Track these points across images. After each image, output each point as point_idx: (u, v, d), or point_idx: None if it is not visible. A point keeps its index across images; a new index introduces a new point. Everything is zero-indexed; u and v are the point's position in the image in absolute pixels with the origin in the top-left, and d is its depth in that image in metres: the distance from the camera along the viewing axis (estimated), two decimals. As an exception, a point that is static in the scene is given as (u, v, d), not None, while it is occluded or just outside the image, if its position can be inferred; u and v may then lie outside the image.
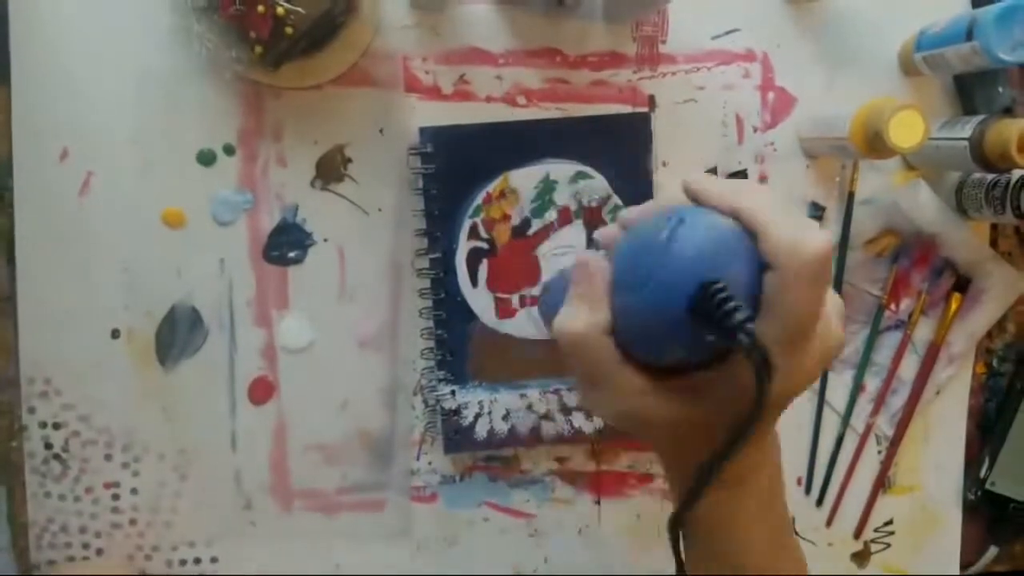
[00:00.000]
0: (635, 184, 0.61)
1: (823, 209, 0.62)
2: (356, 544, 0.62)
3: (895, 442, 0.65)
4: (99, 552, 0.60)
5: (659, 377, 0.35)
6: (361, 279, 0.60)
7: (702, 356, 0.34)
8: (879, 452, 0.65)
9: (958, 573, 0.67)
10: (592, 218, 0.61)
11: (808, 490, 0.65)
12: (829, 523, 0.65)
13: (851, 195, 0.61)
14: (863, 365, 0.64)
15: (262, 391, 0.60)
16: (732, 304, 0.30)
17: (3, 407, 0.58)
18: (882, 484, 0.65)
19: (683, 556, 0.39)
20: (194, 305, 0.59)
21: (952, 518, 0.66)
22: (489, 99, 0.60)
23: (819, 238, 0.32)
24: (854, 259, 0.63)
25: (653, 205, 0.38)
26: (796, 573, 0.43)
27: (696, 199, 0.35)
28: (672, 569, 0.44)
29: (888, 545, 0.66)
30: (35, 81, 0.56)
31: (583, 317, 0.35)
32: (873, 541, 0.66)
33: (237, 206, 0.59)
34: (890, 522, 0.66)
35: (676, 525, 0.37)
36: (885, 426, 0.65)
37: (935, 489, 0.66)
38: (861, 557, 0.66)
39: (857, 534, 0.66)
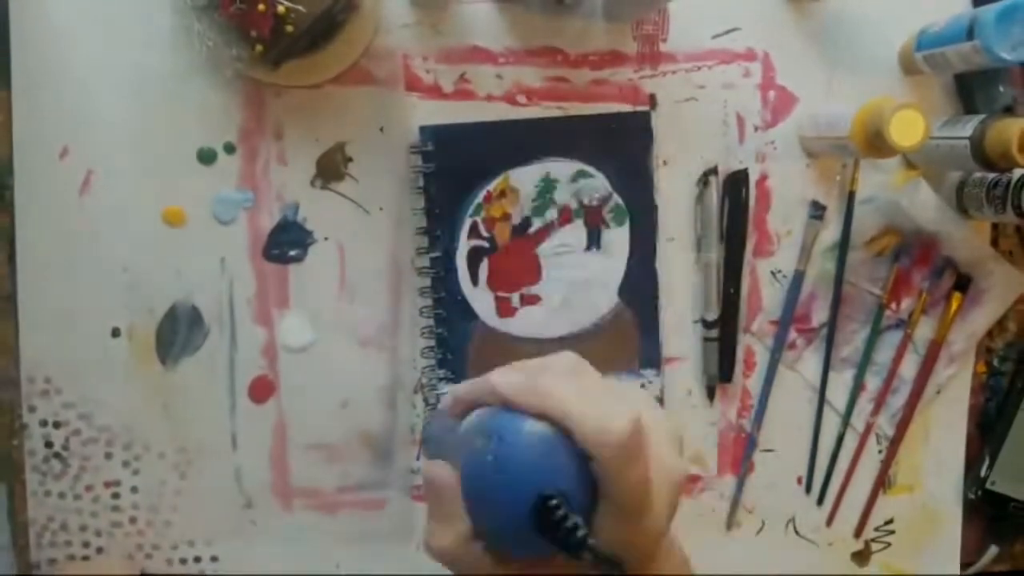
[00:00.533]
0: (636, 183, 0.61)
1: (824, 208, 0.62)
2: (357, 543, 0.62)
3: (895, 441, 0.65)
4: (99, 551, 0.60)
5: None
6: (361, 278, 0.60)
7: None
8: (879, 452, 0.65)
9: (958, 573, 0.67)
10: (593, 217, 0.61)
11: (808, 489, 0.65)
12: (829, 522, 0.65)
13: (852, 194, 0.61)
14: (863, 365, 0.64)
15: (262, 390, 0.60)
16: (570, 521, 0.31)
17: (4, 406, 0.58)
18: (882, 483, 0.65)
19: None
20: (194, 304, 0.59)
21: (952, 517, 0.66)
22: (490, 98, 0.60)
23: (622, 421, 0.33)
24: (854, 258, 0.63)
25: (471, 393, 0.38)
26: None
27: (504, 404, 0.36)
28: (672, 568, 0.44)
29: (888, 544, 0.66)
30: (36, 80, 0.56)
31: (447, 534, 0.36)
32: (873, 540, 0.66)
33: (237, 205, 0.59)
34: (890, 521, 0.66)
35: None
36: (886, 426, 0.65)
37: (935, 488, 0.66)
38: (861, 557, 0.66)
39: (857, 533, 0.66)
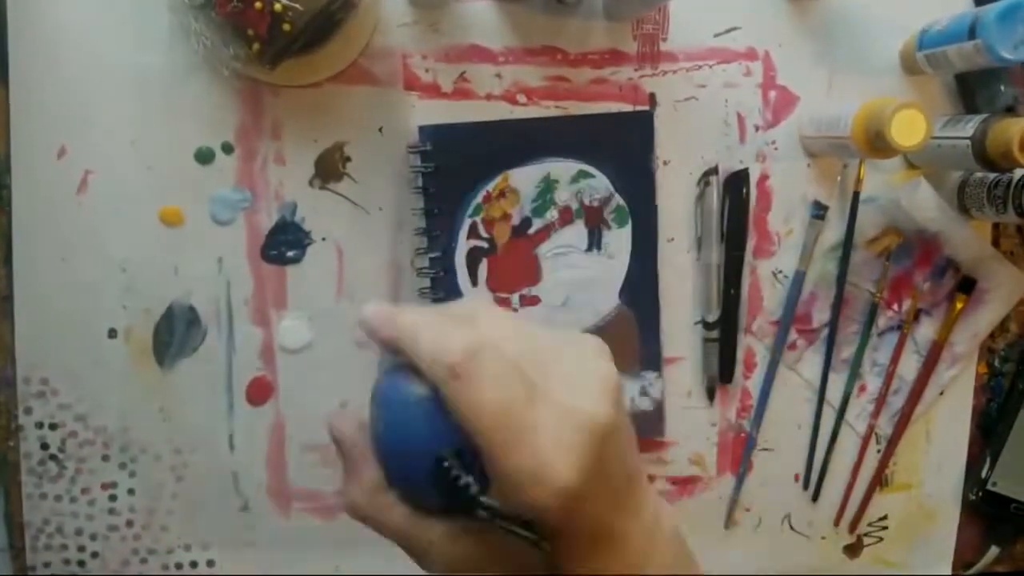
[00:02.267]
0: (636, 183, 0.60)
1: (825, 208, 0.62)
2: (355, 545, 0.61)
3: (893, 441, 0.65)
4: (95, 555, 0.60)
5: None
6: (360, 278, 0.60)
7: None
8: (878, 451, 0.65)
9: (950, 572, 0.67)
10: (593, 217, 0.60)
11: (806, 486, 0.65)
12: (837, 522, 0.65)
13: (856, 194, 0.61)
14: (856, 363, 0.64)
15: (260, 391, 0.60)
16: (462, 480, 0.30)
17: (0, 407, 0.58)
18: (879, 482, 0.65)
19: None
20: (192, 304, 0.59)
21: (949, 517, 0.66)
22: (489, 97, 0.60)
23: (458, 342, 0.30)
24: (856, 259, 0.62)
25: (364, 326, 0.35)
26: None
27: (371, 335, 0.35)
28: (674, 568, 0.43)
29: (880, 539, 0.66)
30: (33, 79, 0.56)
31: (357, 487, 0.34)
32: (866, 535, 0.66)
33: (235, 205, 0.58)
34: (884, 517, 0.66)
35: None
36: (886, 426, 0.65)
37: (936, 488, 0.66)
38: (853, 550, 0.66)
39: (851, 530, 0.66)
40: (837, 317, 0.63)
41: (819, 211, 0.62)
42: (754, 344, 0.63)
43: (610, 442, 0.32)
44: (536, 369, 0.32)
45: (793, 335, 0.63)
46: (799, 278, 0.62)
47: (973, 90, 0.62)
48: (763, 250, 0.63)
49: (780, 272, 0.63)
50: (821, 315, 0.63)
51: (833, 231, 0.63)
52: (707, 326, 0.62)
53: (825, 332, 0.63)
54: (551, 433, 0.30)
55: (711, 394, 0.63)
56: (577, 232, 0.60)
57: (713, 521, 0.65)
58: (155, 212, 0.58)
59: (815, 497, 0.65)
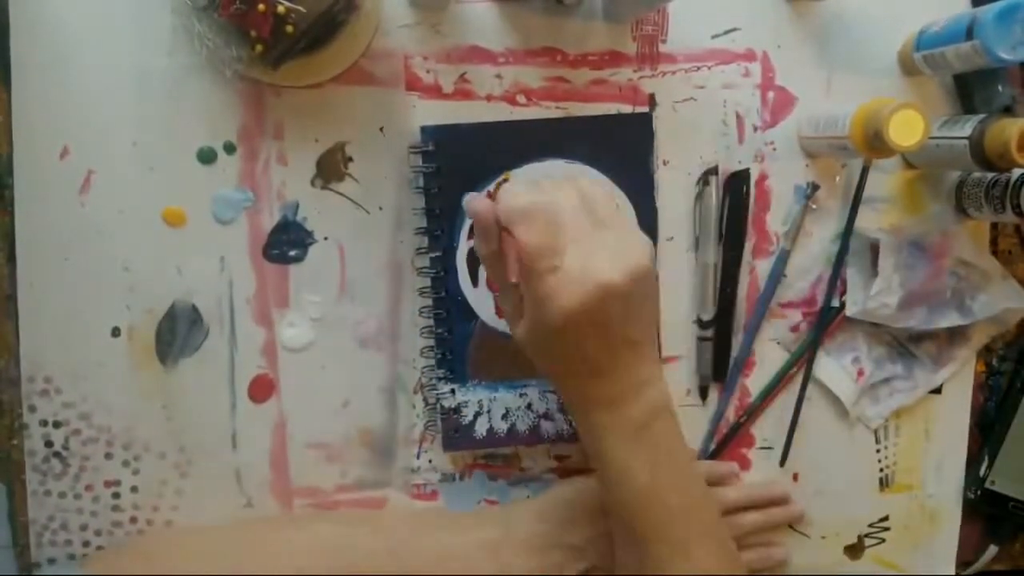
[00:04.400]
0: (636, 183, 0.61)
1: (816, 188, 0.62)
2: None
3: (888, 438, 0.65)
4: (99, 551, 0.60)
5: None
6: (362, 277, 0.60)
7: None
8: (878, 451, 0.65)
9: (954, 572, 0.67)
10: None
11: (782, 463, 0.64)
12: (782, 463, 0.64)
13: (857, 196, 0.60)
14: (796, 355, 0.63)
15: (262, 389, 0.60)
16: None
17: (3, 406, 0.58)
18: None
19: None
20: (194, 303, 0.59)
21: (951, 517, 0.66)
22: (489, 98, 0.60)
23: (514, 191, 0.47)
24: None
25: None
26: (685, 506, 0.48)
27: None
28: (674, 569, 0.45)
29: (882, 540, 0.66)
30: (36, 79, 0.56)
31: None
32: (867, 536, 0.66)
33: (237, 204, 0.59)
34: (885, 518, 0.66)
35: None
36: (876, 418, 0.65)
37: (936, 489, 0.66)
38: (854, 551, 0.66)
39: (782, 463, 0.64)
40: (830, 299, 0.62)
41: (810, 191, 0.62)
42: (754, 344, 0.64)
43: (614, 302, 0.44)
44: (584, 234, 0.45)
45: (798, 317, 0.63)
46: (783, 256, 0.62)
47: (971, 90, 0.62)
48: (761, 250, 0.63)
49: (779, 272, 0.63)
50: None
51: (833, 219, 0.63)
52: (702, 325, 0.62)
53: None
54: (571, 275, 0.44)
55: (704, 393, 0.64)
56: (577, 232, 0.61)
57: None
58: (158, 212, 0.58)
59: (782, 462, 0.64)
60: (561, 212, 0.45)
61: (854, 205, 0.61)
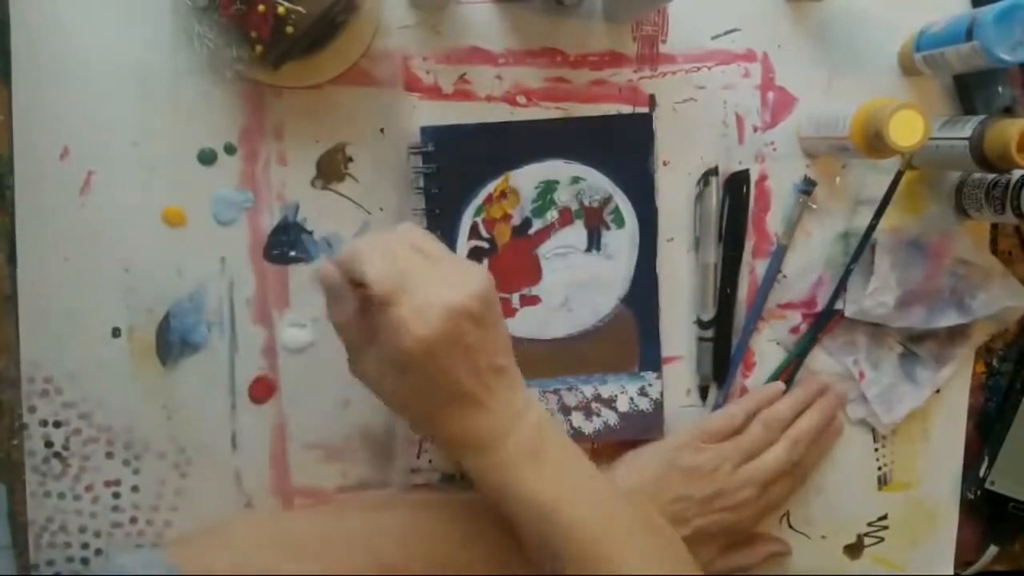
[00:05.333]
0: (636, 184, 0.61)
1: (814, 184, 0.62)
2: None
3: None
4: (98, 552, 0.60)
5: None
6: (362, 278, 0.60)
7: None
8: (876, 450, 0.65)
9: (952, 571, 0.67)
10: (593, 218, 0.61)
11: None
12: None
13: (886, 201, 0.60)
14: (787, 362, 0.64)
15: (263, 390, 0.60)
16: None
17: (4, 406, 0.58)
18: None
19: None
20: (194, 304, 0.59)
21: (949, 516, 0.67)
22: (489, 98, 0.60)
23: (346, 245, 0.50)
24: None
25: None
26: (601, 512, 0.49)
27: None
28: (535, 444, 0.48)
29: (881, 540, 0.66)
30: (36, 80, 0.56)
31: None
32: (866, 535, 0.66)
33: (238, 205, 0.59)
34: (884, 517, 0.66)
35: None
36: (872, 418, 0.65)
37: (935, 488, 0.66)
38: (853, 550, 0.66)
39: None
40: (835, 301, 0.63)
41: (807, 187, 0.62)
42: (754, 343, 0.64)
43: (468, 325, 0.45)
44: (422, 268, 0.46)
45: (797, 319, 0.63)
46: (780, 251, 0.62)
47: (971, 91, 0.62)
48: (761, 251, 0.63)
49: (779, 272, 0.63)
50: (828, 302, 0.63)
51: (834, 220, 0.63)
52: (702, 325, 0.62)
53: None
54: (419, 303, 0.44)
55: (703, 393, 0.64)
56: (577, 233, 0.61)
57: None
58: (158, 212, 0.58)
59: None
60: (396, 251, 0.47)
61: (879, 212, 0.60)
